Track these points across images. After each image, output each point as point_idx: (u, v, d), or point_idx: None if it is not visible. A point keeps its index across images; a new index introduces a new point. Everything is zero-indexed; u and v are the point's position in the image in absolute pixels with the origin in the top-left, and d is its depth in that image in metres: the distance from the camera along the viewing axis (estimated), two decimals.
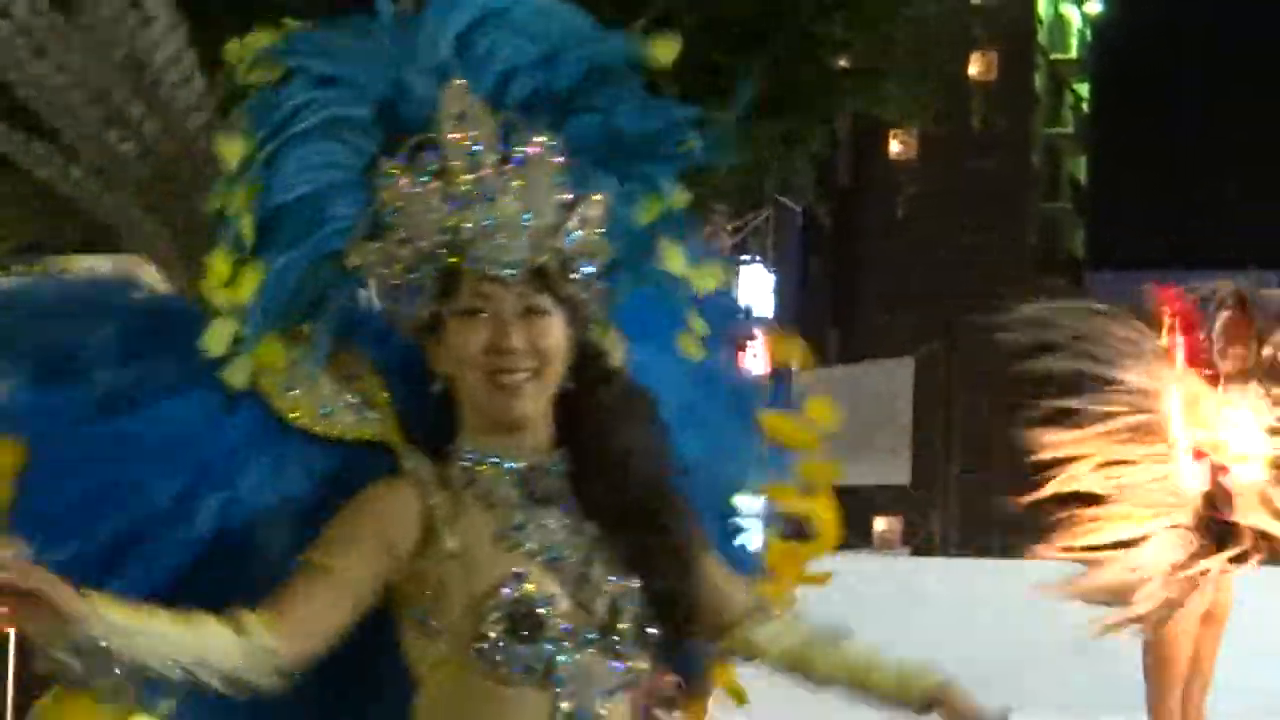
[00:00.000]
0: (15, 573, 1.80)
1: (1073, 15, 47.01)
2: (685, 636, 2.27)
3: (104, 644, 1.84)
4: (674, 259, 2.37)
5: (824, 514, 2.60)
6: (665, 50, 2.28)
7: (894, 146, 41.47)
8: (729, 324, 2.58)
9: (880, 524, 32.52)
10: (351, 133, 2.20)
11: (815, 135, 11.56)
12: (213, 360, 2.15)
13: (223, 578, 2.12)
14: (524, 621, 2.12)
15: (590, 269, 2.22)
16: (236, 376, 2.15)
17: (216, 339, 2.12)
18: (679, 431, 2.33)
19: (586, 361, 2.23)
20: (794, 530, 2.64)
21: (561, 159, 2.20)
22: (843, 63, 11.67)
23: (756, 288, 15.91)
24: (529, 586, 2.13)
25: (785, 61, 10.20)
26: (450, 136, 2.17)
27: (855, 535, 13.01)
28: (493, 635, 2.11)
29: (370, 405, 2.23)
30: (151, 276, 2.43)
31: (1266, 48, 56.96)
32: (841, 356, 33.40)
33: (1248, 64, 56.69)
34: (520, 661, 2.12)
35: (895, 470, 20.09)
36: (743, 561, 2.49)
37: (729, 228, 14.11)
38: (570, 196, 2.21)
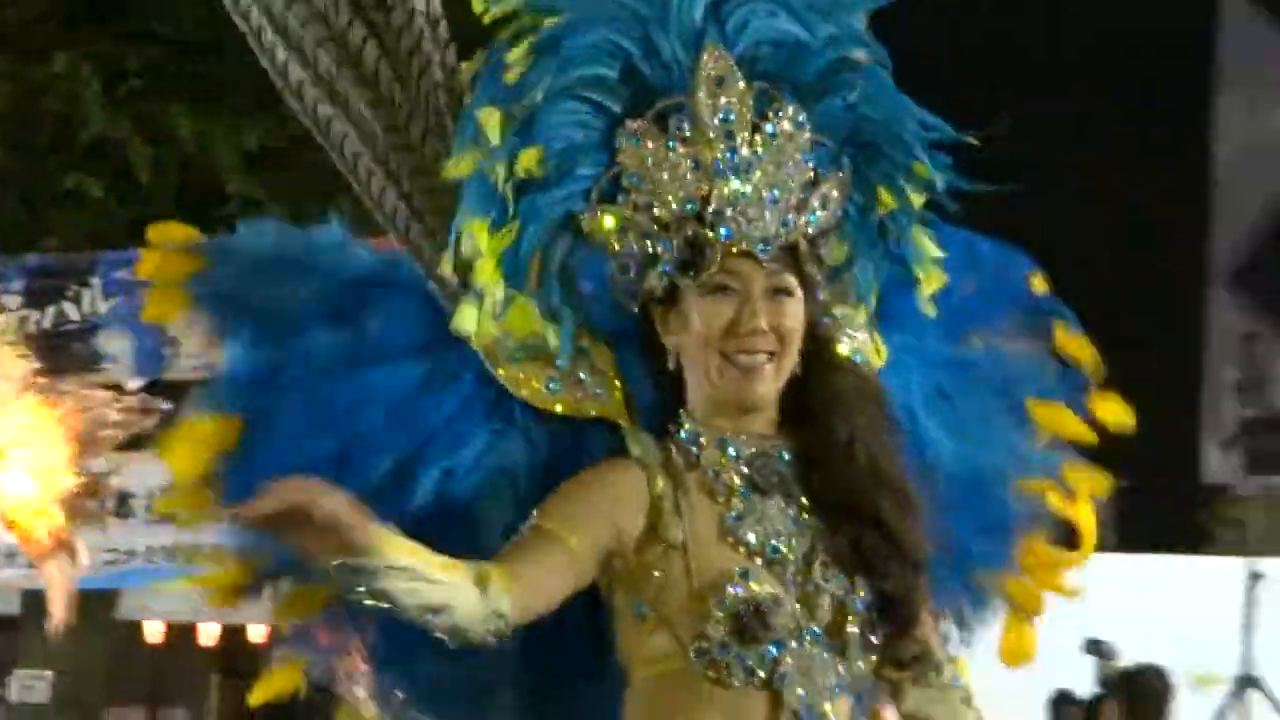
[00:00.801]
0: (317, 495, 1.89)
1: None
2: (906, 641, 2.27)
3: (378, 576, 1.93)
4: (925, 245, 2.38)
5: (1085, 521, 2.60)
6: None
7: None
8: (1004, 309, 2.60)
9: None
10: (598, 92, 2.24)
11: None
12: (433, 327, 2.28)
13: (437, 549, 2.11)
14: (750, 622, 2.15)
15: (828, 250, 2.31)
16: (477, 340, 2.24)
17: (467, 317, 2.20)
18: (929, 417, 2.45)
19: (818, 346, 2.28)
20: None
21: (810, 136, 2.26)
22: None
23: None
24: (754, 586, 2.16)
25: None
26: (705, 101, 2.22)
27: None
28: (716, 636, 2.15)
29: (598, 382, 2.30)
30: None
31: None
32: None
33: None
34: (744, 663, 2.16)
35: None
36: (993, 556, 2.51)
37: None
38: (813, 175, 2.26)
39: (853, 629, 2.16)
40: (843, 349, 2.31)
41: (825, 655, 2.15)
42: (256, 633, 11.44)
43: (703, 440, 2.21)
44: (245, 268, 2.37)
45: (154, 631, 12.62)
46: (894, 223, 2.31)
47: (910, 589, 2.20)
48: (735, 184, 2.16)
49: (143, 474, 9.09)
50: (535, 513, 2.13)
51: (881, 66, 2.31)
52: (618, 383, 2.27)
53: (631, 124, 2.19)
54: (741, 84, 2.18)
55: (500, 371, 2.24)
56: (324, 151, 2.47)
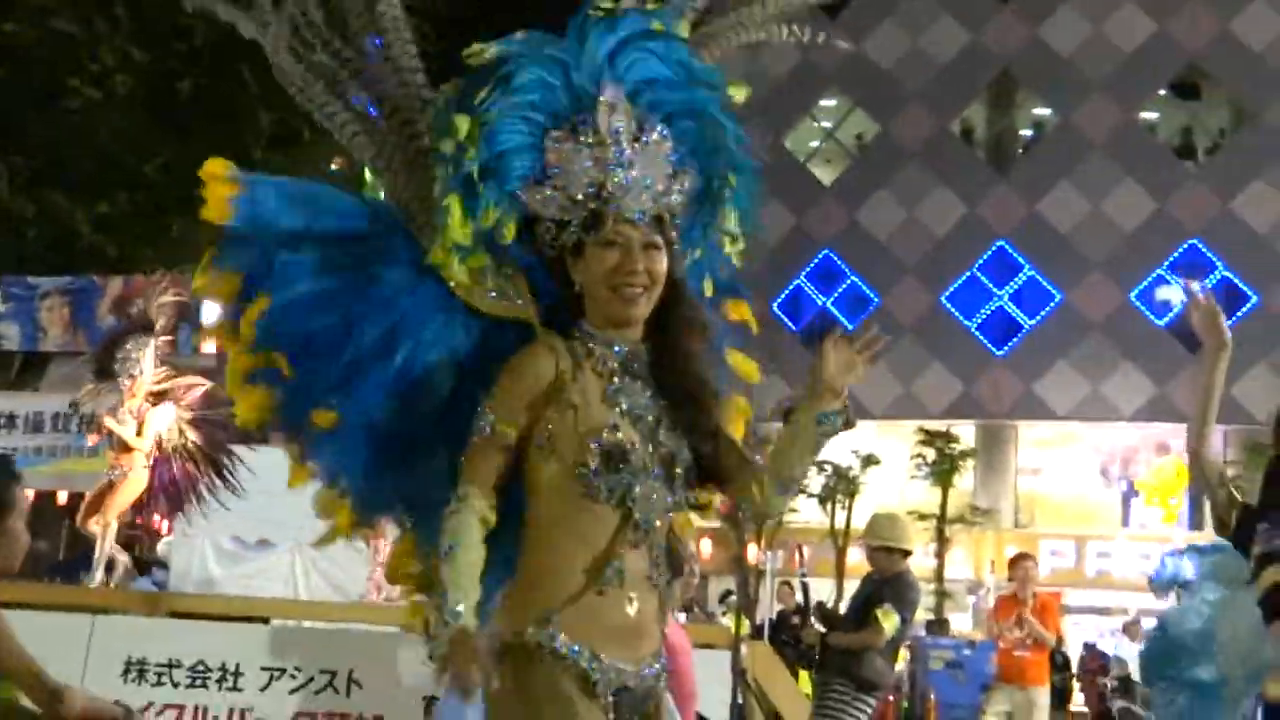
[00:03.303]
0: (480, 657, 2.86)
1: None
2: (707, 482, 3.26)
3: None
4: (730, 221, 3.40)
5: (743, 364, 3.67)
6: (739, 91, 3.37)
7: None
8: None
9: None
10: (533, 111, 3.15)
11: None
12: (411, 250, 3.27)
13: (412, 408, 3.22)
14: (614, 457, 3.06)
15: (679, 222, 3.24)
16: (451, 273, 3.19)
17: (451, 268, 3.19)
18: None
19: (675, 288, 3.21)
20: None
21: (670, 145, 3.21)
22: None
23: None
24: (619, 434, 3.08)
25: None
26: (603, 118, 3.14)
27: None
28: (592, 464, 3.06)
29: (519, 297, 3.24)
30: None
31: None
32: None
33: None
34: (608, 485, 3.06)
35: None
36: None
37: None
38: (673, 170, 3.21)
39: (679, 472, 3.15)
40: (688, 291, 3.29)
41: (660, 487, 3.12)
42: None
43: (595, 340, 3.15)
44: (268, 194, 3.32)
45: (29, 494, 17.25)
46: (722, 203, 3.33)
47: (713, 450, 3.22)
48: (620, 174, 3.10)
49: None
50: (484, 405, 3.07)
51: (716, 92, 3.29)
52: (531, 299, 3.23)
53: (554, 133, 3.13)
54: (627, 107, 3.12)
55: (459, 287, 3.20)
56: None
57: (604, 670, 3.04)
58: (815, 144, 37.76)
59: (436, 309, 3.25)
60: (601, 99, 3.15)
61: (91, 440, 11.17)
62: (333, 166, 22.25)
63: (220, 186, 3.32)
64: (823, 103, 37.20)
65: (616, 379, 3.15)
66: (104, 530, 10.44)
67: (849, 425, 3.19)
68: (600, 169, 3.13)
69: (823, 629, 9.17)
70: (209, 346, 15.42)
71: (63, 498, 17.55)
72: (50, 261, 16.74)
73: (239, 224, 3.30)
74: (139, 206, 17.90)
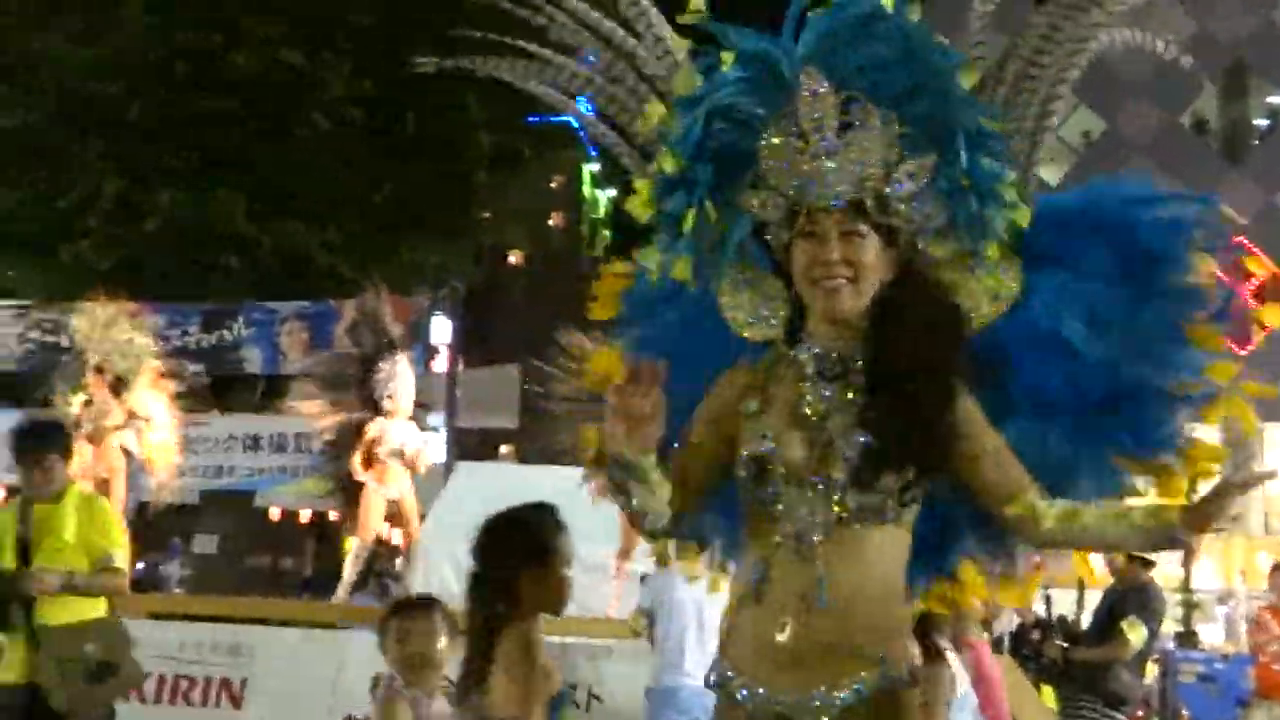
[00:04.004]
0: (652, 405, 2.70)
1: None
2: (912, 486, 2.89)
3: (632, 477, 2.77)
4: (1007, 195, 3.04)
5: (1239, 411, 3.22)
6: (968, 77, 3.02)
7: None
8: (1176, 246, 3.20)
9: None
10: (743, 113, 3.01)
11: None
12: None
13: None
14: (759, 468, 2.89)
15: (914, 208, 2.95)
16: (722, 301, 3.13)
17: (682, 267, 3.05)
18: (1089, 332, 3.08)
19: (907, 276, 2.95)
20: None
21: (896, 130, 2.94)
22: None
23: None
24: (768, 444, 2.90)
25: None
26: (804, 109, 2.92)
27: None
28: (742, 475, 2.92)
29: (772, 311, 3.08)
30: None
31: None
32: None
33: None
34: (757, 497, 2.91)
35: None
36: (1147, 440, 3.17)
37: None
38: (898, 156, 2.93)
39: (839, 481, 2.84)
40: (930, 278, 3.02)
41: (818, 501, 2.86)
42: (333, 514, 16.65)
43: (800, 345, 2.98)
44: (643, 283, 3.40)
45: (275, 513, 17.28)
46: (975, 187, 2.96)
47: (945, 453, 2.86)
48: (819, 163, 2.89)
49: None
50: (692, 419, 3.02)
51: (951, 70, 2.96)
52: (785, 319, 3.05)
53: (767, 132, 2.96)
54: (830, 95, 2.90)
55: (728, 312, 3.12)
56: None
57: (754, 696, 2.86)
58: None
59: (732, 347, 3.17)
60: (802, 89, 2.94)
61: (360, 472, 11.30)
62: (551, 185, 22.57)
63: (614, 283, 3.56)
64: None
65: (809, 384, 2.95)
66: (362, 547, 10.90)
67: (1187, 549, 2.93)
68: (802, 160, 2.93)
69: (1065, 644, 8.94)
70: (439, 365, 15.89)
71: (305, 516, 18.25)
72: (287, 286, 17.32)
73: (625, 312, 3.52)
74: (369, 231, 18.42)
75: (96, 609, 6.28)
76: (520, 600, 3.81)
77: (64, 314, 13.83)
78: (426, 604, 4.53)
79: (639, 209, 3.11)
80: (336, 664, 8.57)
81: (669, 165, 3.03)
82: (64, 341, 14.03)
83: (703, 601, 6.96)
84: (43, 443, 6.36)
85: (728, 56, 3.03)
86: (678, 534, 3.29)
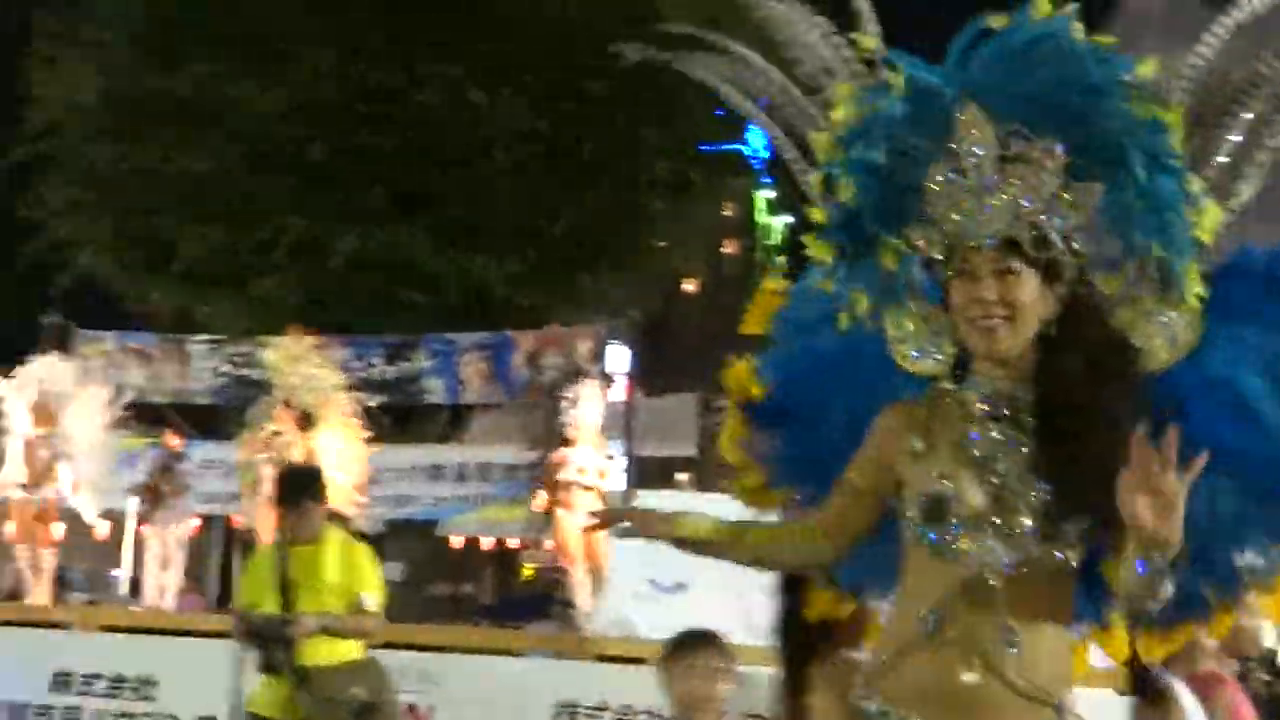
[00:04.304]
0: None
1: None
2: (1092, 542, 2.81)
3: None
4: (1183, 234, 2.92)
5: None
6: (1146, 68, 2.88)
7: None
8: None
9: None
10: (914, 137, 2.96)
11: None
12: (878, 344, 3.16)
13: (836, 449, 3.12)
14: (937, 509, 2.84)
15: (1078, 240, 2.84)
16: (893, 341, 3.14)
17: (860, 303, 3.13)
18: (1268, 389, 2.93)
19: (1074, 313, 2.85)
20: None
21: (1058, 158, 2.82)
22: None
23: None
24: (946, 484, 2.85)
25: None
26: (963, 145, 2.85)
27: None
28: (918, 516, 2.87)
29: (938, 347, 3.06)
30: None
31: None
32: None
33: None
34: (932, 537, 2.85)
35: None
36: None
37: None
38: (1060, 186, 2.82)
39: (1027, 520, 2.78)
40: (1119, 319, 2.93)
41: (998, 544, 2.78)
42: (512, 542, 17.38)
43: (966, 383, 2.92)
44: (799, 293, 3.49)
45: (456, 541, 17.85)
46: (1151, 216, 2.85)
47: (1099, 504, 2.64)
48: (976, 201, 2.80)
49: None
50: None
51: (1125, 86, 2.83)
52: (952, 353, 2.99)
53: (932, 166, 2.87)
54: (989, 129, 2.80)
55: (893, 347, 3.11)
56: None
57: None
58: None
59: (884, 368, 3.19)
60: (961, 124, 2.87)
61: (548, 500, 11.46)
62: (725, 212, 22.61)
63: (770, 301, 3.59)
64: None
65: (976, 424, 2.89)
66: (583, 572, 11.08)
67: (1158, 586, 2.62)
68: (960, 198, 2.86)
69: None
70: (617, 394, 15.98)
71: (487, 543, 18.49)
72: (467, 318, 17.60)
73: (775, 333, 3.54)
74: (546, 263, 18.64)
75: (356, 649, 6.56)
76: (830, 634, 3.80)
77: (256, 348, 14.19)
78: (708, 639, 4.55)
79: (816, 249, 3.15)
80: (520, 691, 8.66)
81: (841, 198, 3.05)
82: (256, 375, 14.38)
83: None
84: (299, 490, 6.65)
85: (895, 83, 2.99)
86: (831, 581, 3.36)
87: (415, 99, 17.96)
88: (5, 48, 20.08)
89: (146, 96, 18.65)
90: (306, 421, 11.94)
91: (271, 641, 6.26)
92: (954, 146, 2.87)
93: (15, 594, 12.62)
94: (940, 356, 3.05)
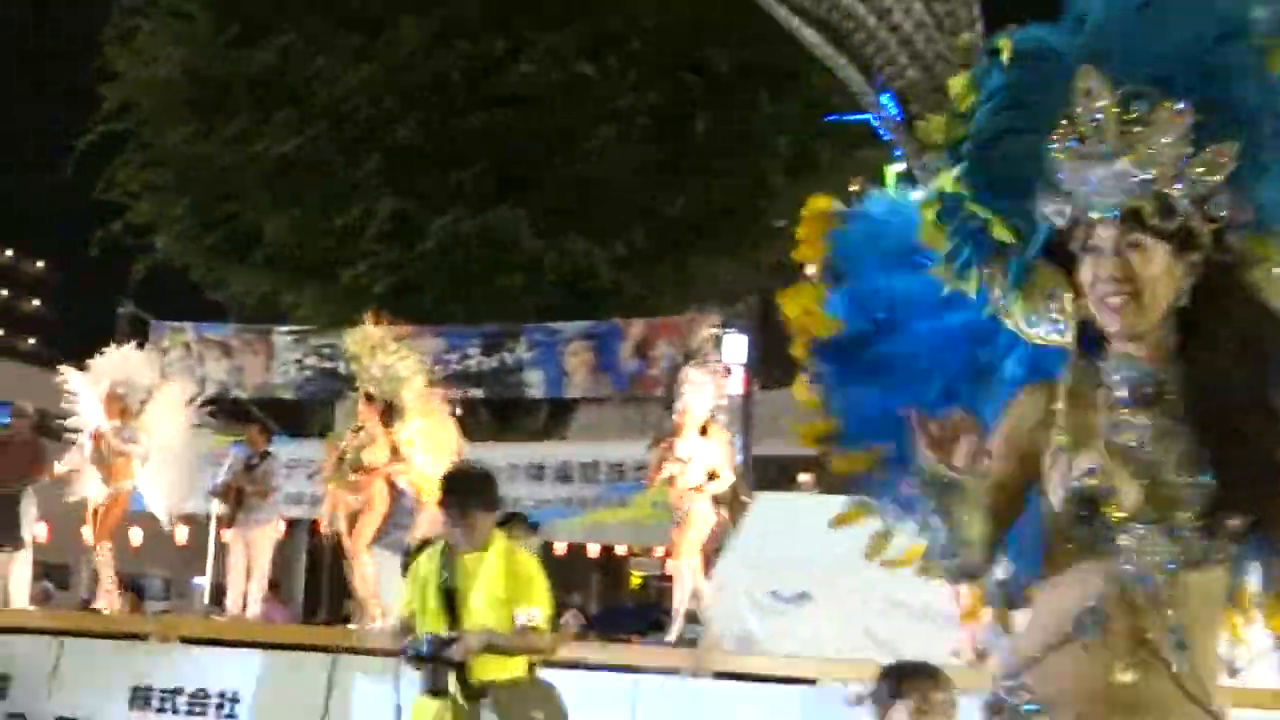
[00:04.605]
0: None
1: None
2: (1262, 533, 2.82)
3: (957, 497, 2.87)
4: None
5: None
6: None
7: None
8: None
9: None
10: (1028, 105, 2.97)
11: None
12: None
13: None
14: (1087, 503, 2.80)
15: (1214, 205, 2.80)
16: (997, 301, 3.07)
17: (974, 283, 3.08)
18: None
19: (1214, 284, 2.82)
20: None
21: (1186, 119, 2.77)
22: None
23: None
24: (1097, 477, 2.80)
25: None
26: (1081, 112, 2.83)
27: None
28: (1066, 510, 2.83)
29: (1061, 319, 3.01)
30: None
31: None
32: None
33: None
34: (1083, 533, 2.82)
35: None
36: None
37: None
38: (1191, 149, 2.77)
39: (1187, 515, 2.75)
40: (1246, 290, 2.86)
41: (1157, 538, 2.77)
42: (620, 549, 17.66)
43: (1106, 364, 2.90)
44: (859, 222, 3.50)
45: (560, 548, 17.14)
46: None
47: (1264, 494, 2.71)
48: (1096, 170, 2.80)
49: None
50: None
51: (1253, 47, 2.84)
52: (1074, 322, 2.96)
53: (1054, 135, 2.87)
54: (1106, 91, 2.80)
55: (1001, 313, 3.07)
56: None
57: None
58: None
59: (1000, 347, 3.21)
60: (1079, 89, 2.84)
61: (655, 480, 11.49)
62: (852, 188, 22.59)
63: (818, 224, 3.54)
64: None
65: (1122, 411, 2.87)
66: (682, 577, 11.09)
67: None
68: (1081, 168, 2.84)
69: None
70: (733, 386, 15.99)
71: (594, 550, 18.57)
72: (569, 305, 17.72)
73: (835, 263, 3.50)
74: (656, 246, 18.68)
75: (522, 667, 6.64)
76: None
77: (342, 339, 14.35)
78: (931, 674, 4.62)
79: (929, 232, 3.15)
80: (630, 707, 8.71)
81: (949, 181, 3.07)
82: (342, 368, 14.61)
83: None
84: (466, 496, 6.65)
85: (1006, 47, 3.02)
86: (988, 573, 3.23)
87: (515, 71, 18.05)
88: (82, 21, 20.60)
89: (228, 71, 18.98)
90: (390, 415, 11.99)
91: (436, 661, 6.29)
92: (1072, 112, 2.85)
93: (91, 603, 12.83)
94: (1065, 327, 3.01)
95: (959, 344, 3.30)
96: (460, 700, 6.34)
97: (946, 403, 3.15)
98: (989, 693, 2.96)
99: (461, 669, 6.31)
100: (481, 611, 6.43)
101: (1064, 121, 2.87)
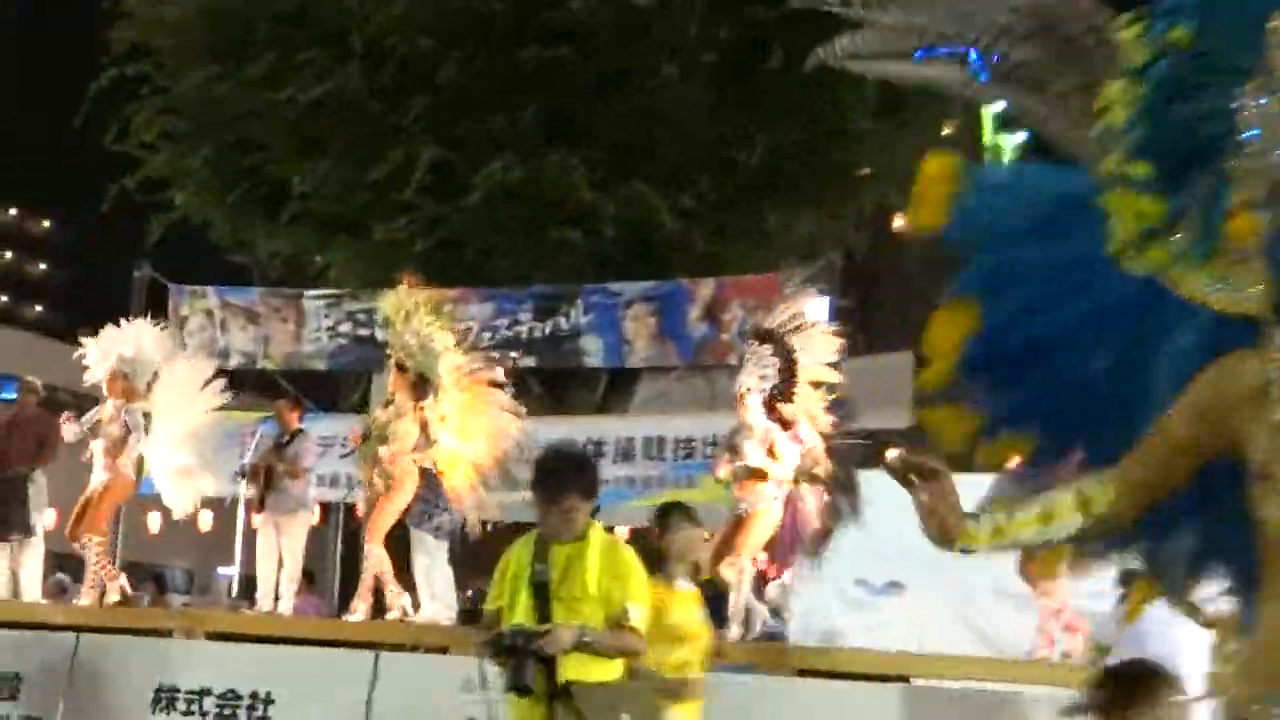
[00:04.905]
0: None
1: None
2: None
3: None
4: None
5: None
6: None
7: None
8: None
9: None
10: (1216, 63, 2.97)
11: None
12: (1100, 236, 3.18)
13: (1111, 403, 3.18)
14: None
15: None
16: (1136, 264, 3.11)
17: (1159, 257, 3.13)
18: None
19: None
20: None
21: None
22: None
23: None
24: None
25: None
26: (1274, 57, 2.79)
27: None
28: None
29: (1247, 283, 2.97)
30: None
31: None
32: None
33: None
34: None
35: None
36: None
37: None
38: None
39: None
40: None
41: None
42: None
43: None
44: (985, 189, 3.52)
45: (620, 533, 16.75)
46: None
47: None
48: None
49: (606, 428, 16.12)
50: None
51: None
52: (1269, 286, 2.90)
53: (1245, 89, 2.88)
54: None
55: (1171, 279, 3.09)
56: None
57: None
58: None
59: (1167, 316, 3.16)
60: (1272, 40, 2.84)
61: (722, 472, 11.24)
62: (944, 131, 22.34)
63: (937, 186, 3.55)
64: None
65: None
66: (738, 577, 10.86)
67: None
68: (1273, 123, 2.85)
69: None
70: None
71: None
72: (630, 264, 17.58)
73: (957, 232, 3.53)
74: (727, 195, 18.52)
75: (617, 667, 6.57)
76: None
77: (378, 303, 14.25)
78: (1160, 677, 4.65)
79: (1127, 219, 3.15)
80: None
81: (1129, 163, 3.10)
82: (379, 335, 14.68)
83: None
84: (560, 481, 6.57)
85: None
86: (1097, 540, 3.26)
87: (567, 4, 17.87)
88: None
89: (251, 8, 18.92)
90: (422, 387, 11.91)
91: (521, 656, 6.25)
92: (1264, 65, 2.84)
93: (122, 598, 12.86)
94: (1249, 292, 2.98)
95: (1119, 314, 3.25)
96: (548, 698, 6.28)
97: (1119, 374, 3.18)
98: (1237, 707, 2.91)
99: (550, 664, 6.25)
100: (577, 606, 6.38)
101: (1253, 76, 2.86)
